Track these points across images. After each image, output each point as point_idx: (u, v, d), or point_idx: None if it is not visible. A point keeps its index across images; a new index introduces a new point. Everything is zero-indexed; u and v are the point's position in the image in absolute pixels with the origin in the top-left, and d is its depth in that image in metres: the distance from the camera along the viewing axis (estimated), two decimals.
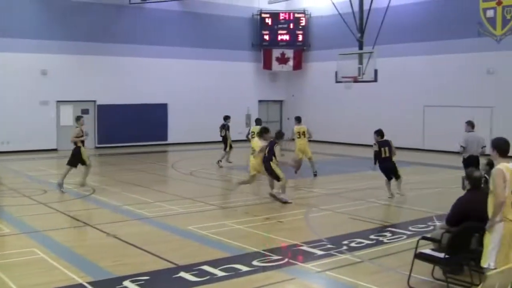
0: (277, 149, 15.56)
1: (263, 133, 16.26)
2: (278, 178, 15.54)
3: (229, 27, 35.73)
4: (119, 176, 20.78)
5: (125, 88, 31.72)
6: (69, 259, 10.15)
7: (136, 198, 16.43)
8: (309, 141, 21.24)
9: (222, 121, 24.67)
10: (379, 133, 16.73)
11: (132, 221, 13.54)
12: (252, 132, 21.59)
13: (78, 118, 18.23)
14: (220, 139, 24.64)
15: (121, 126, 30.99)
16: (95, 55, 30.65)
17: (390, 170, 16.41)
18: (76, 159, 17.58)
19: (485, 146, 16.15)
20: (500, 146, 7.68)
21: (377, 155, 16.33)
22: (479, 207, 7.77)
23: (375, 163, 16.54)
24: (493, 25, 27.13)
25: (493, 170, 7.57)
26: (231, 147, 24.20)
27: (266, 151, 15.51)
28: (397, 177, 16.52)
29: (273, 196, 15.77)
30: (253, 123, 25.63)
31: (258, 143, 16.12)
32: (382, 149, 16.32)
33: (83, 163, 17.65)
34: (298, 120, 21.48)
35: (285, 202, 15.51)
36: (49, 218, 14.00)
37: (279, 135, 16.05)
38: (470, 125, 17.15)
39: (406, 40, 30.82)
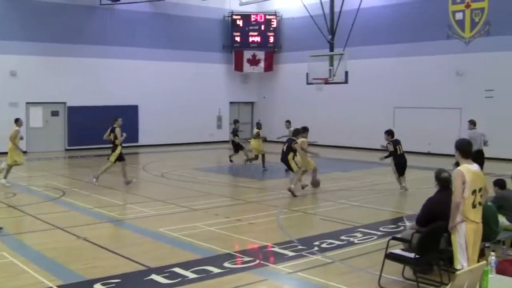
0: (296, 145, 17.24)
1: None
2: (293, 170, 17.40)
3: (200, 29, 35.68)
4: (90, 178, 20.64)
5: (95, 89, 31.48)
6: (39, 262, 10.06)
7: (106, 200, 16.35)
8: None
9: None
10: (390, 133, 18.10)
11: (102, 223, 13.48)
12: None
13: (115, 119, 19.93)
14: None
15: (91, 128, 30.72)
16: (65, 56, 30.40)
17: (404, 164, 17.93)
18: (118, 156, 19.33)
19: (486, 139, 19.99)
20: (462, 148, 7.81)
21: (393, 153, 17.70)
22: (447, 207, 7.85)
23: (385, 158, 17.99)
24: (462, 27, 27.47)
25: (454, 172, 7.70)
26: (235, 151, 25.28)
27: (285, 148, 17.50)
28: (403, 173, 17.97)
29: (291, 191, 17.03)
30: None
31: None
32: (397, 147, 17.75)
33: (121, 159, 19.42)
34: (289, 122, 23.49)
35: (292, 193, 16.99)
36: (18, 221, 13.89)
37: (296, 132, 17.96)
38: (472, 123, 20.47)
39: (377, 42, 31.07)
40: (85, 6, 31.12)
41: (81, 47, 30.98)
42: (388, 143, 17.79)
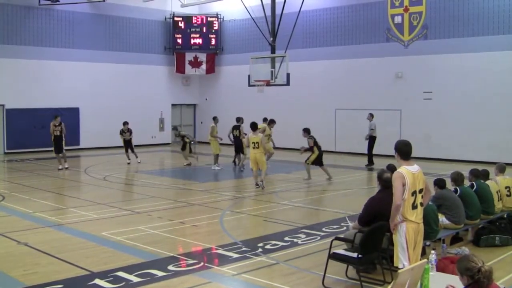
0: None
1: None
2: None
3: (141, 30, 35.45)
4: (30, 182, 20.27)
5: (35, 92, 30.82)
6: None
7: (48, 205, 16.09)
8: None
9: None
10: (307, 130, 20.97)
11: (44, 228, 13.24)
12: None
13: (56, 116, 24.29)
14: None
15: (31, 131, 30.15)
16: (3, 57, 29.71)
17: (322, 156, 20.82)
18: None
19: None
20: (401, 149, 7.83)
21: (316, 146, 20.54)
22: (389, 207, 7.94)
23: (305, 150, 20.96)
24: (400, 31, 27.99)
25: (394, 174, 7.76)
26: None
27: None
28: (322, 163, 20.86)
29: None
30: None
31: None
32: (316, 140, 20.59)
33: None
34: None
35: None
36: None
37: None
38: (372, 116, 25.13)
39: (318, 44, 31.38)
40: (23, 6, 30.47)
41: (20, 48, 30.35)
42: (309, 138, 20.71)
